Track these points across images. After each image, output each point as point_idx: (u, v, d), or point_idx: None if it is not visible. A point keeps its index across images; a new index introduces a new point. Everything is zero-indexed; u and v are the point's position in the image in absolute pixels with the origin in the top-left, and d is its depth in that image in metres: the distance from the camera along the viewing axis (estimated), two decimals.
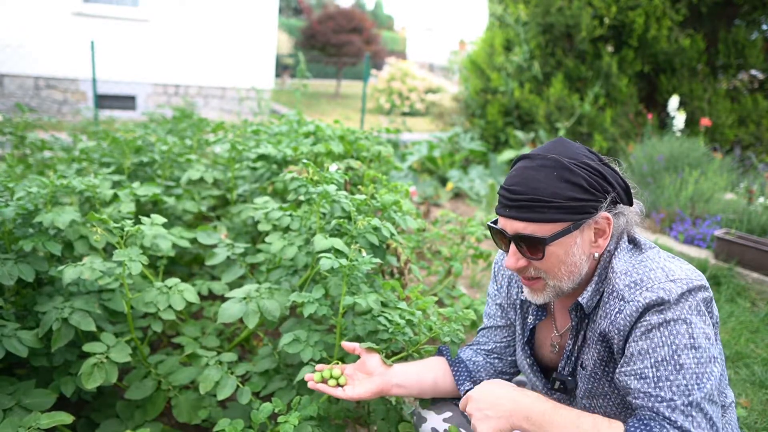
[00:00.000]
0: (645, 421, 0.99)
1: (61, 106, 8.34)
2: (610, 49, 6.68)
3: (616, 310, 1.09)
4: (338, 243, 1.53)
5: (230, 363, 1.60)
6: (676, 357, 1.00)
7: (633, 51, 6.38)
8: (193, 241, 2.05)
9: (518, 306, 1.35)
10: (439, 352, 1.45)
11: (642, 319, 1.04)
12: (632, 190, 1.16)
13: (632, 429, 0.99)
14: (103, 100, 8.28)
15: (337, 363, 1.38)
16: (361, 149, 2.60)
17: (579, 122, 6.49)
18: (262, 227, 1.81)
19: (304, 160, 1.72)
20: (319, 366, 1.35)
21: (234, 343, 1.87)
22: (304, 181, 1.67)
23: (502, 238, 1.15)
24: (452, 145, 7.02)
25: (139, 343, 1.61)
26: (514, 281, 1.36)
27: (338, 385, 1.30)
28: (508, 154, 6.47)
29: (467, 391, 1.37)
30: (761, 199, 4.19)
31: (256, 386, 1.59)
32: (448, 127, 8.29)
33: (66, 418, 1.26)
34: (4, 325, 1.45)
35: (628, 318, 1.06)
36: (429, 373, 1.37)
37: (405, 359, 1.50)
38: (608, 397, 1.17)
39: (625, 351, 1.07)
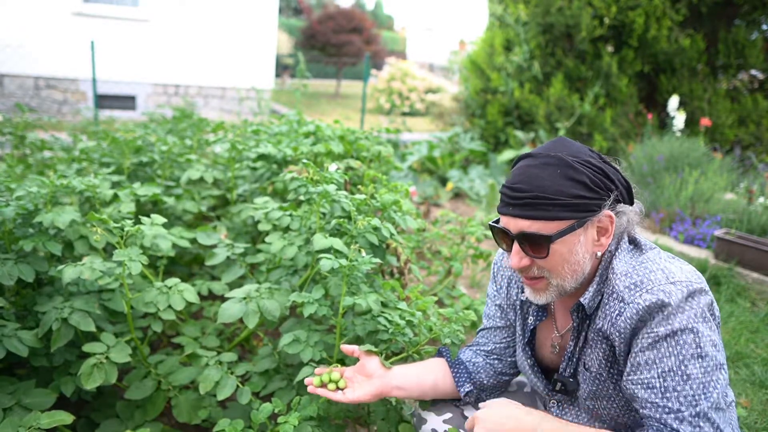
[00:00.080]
0: None
1: (61, 106, 8.34)
2: (610, 49, 6.68)
3: (616, 312, 1.09)
4: (338, 243, 1.53)
5: (230, 363, 1.60)
6: (683, 368, 1.01)
7: (633, 51, 6.38)
8: (193, 241, 2.05)
9: (518, 307, 1.35)
10: (439, 354, 1.45)
11: (646, 328, 1.04)
12: (633, 190, 1.17)
13: None
14: (103, 100, 8.28)
15: (336, 365, 1.38)
16: (361, 149, 2.60)
17: (579, 122, 6.49)
18: (262, 227, 1.80)
19: (304, 160, 1.72)
20: (318, 370, 1.35)
21: (234, 343, 1.87)
22: (304, 181, 1.67)
23: (504, 237, 1.15)
24: (452, 145, 7.02)
25: (139, 343, 1.61)
26: (513, 282, 1.36)
27: (338, 388, 1.30)
28: (508, 154, 6.47)
29: (467, 393, 1.37)
30: (761, 199, 4.19)
31: (256, 386, 1.59)
32: (448, 127, 8.29)
33: (66, 417, 1.26)
34: (4, 325, 1.45)
35: (628, 320, 1.06)
36: (429, 374, 1.37)
37: (405, 360, 1.50)
38: (612, 399, 1.17)
39: (632, 359, 1.07)
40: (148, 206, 2.26)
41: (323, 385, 1.30)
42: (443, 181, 6.17)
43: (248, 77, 9.20)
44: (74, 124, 5.35)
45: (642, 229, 1.22)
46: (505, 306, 1.38)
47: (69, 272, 1.44)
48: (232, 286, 1.92)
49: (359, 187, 1.95)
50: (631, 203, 1.16)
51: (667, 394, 1.01)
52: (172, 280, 1.62)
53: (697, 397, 0.99)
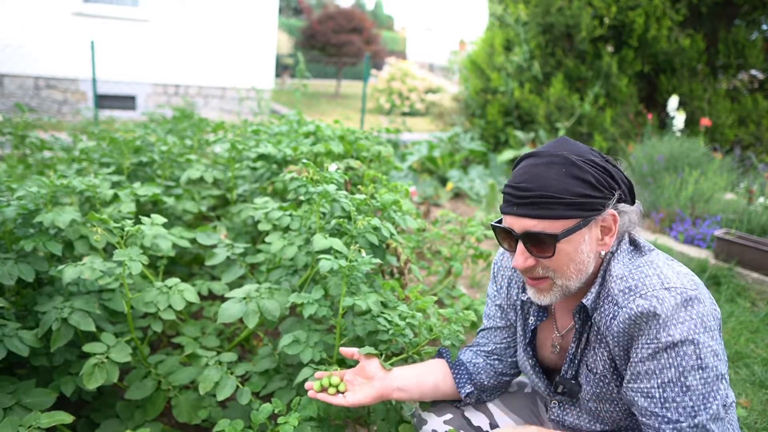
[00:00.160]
0: None
1: (61, 106, 8.34)
2: (610, 49, 6.68)
3: (611, 315, 1.09)
4: (337, 243, 1.53)
5: (230, 363, 1.60)
6: (683, 379, 1.00)
7: (633, 51, 6.38)
8: (193, 241, 2.05)
9: (518, 307, 1.34)
10: (439, 354, 1.44)
11: (644, 336, 1.03)
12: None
13: None
14: (103, 100, 8.28)
15: (336, 368, 1.38)
16: (361, 149, 2.60)
17: (579, 122, 6.49)
18: (262, 227, 1.80)
19: (304, 160, 1.72)
20: (318, 374, 1.35)
21: (234, 343, 1.87)
22: (304, 181, 1.67)
23: (508, 237, 1.14)
24: (452, 145, 7.02)
25: (139, 343, 1.61)
26: (514, 282, 1.36)
27: (338, 392, 1.30)
28: (508, 154, 6.47)
29: (468, 393, 1.37)
30: (761, 199, 4.19)
31: (255, 386, 1.59)
32: (448, 127, 8.29)
33: (66, 417, 1.26)
34: (5, 324, 1.45)
35: (621, 324, 1.06)
36: (429, 376, 1.37)
37: (405, 361, 1.50)
38: (615, 402, 1.16)
39: (632, 368, 1.07)
40: (148, 206, 2.26)
41: (323, 390, 1.29)
42: (443, 181, 6.17)
43: (248, 77, 9.20)
44: (74, 124, 5.35)
45: (642, 229, 1.22)
46: (506, 306, 1.38)
47: (69, 272, 1.44)
48: (232, 286, 1.92)
49: (359, 187, 1.95)
50: (633, 203, 1.16)
51: (667, 405, 1.01)
52: (172, 280, 1.62)
53: (696, 409, 1.00)
